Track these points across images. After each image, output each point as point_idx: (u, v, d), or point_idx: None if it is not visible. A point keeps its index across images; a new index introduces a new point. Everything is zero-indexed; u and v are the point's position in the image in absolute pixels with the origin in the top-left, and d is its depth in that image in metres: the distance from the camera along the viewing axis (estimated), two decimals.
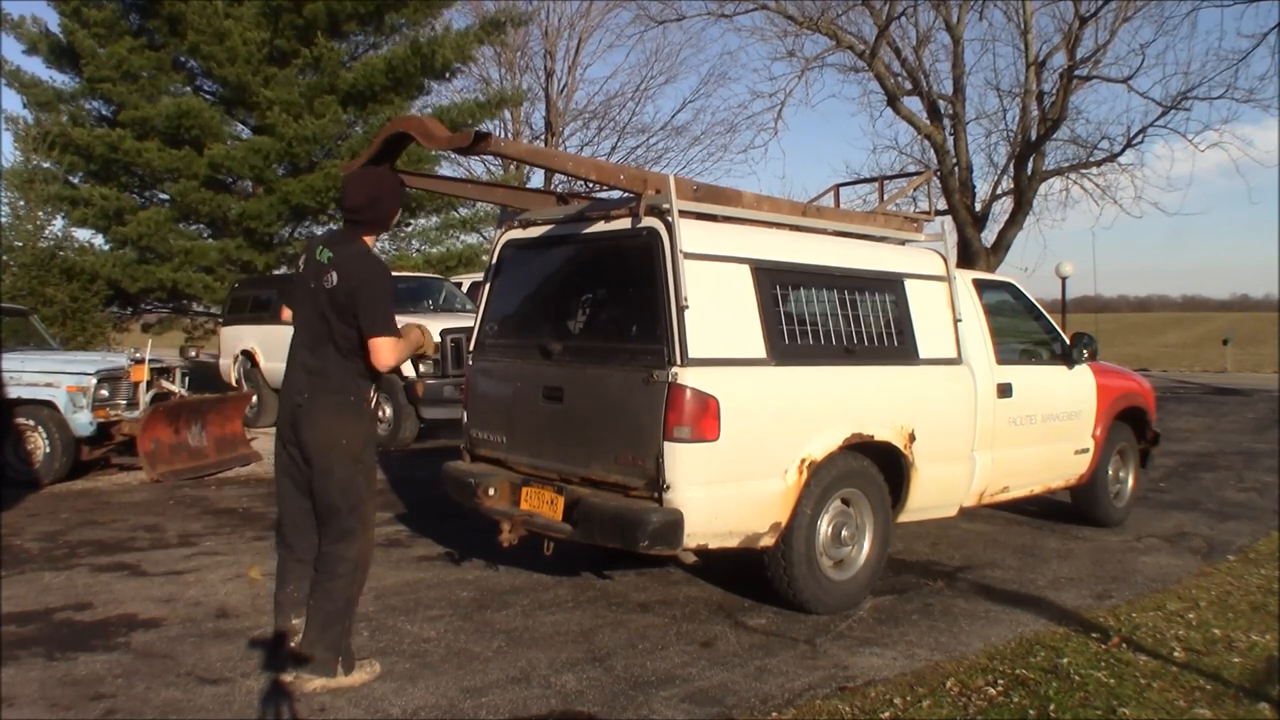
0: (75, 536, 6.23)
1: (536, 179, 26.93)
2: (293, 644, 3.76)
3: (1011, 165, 19.71)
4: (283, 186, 14.91)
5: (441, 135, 3.95)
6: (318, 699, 3.60)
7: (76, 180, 15.69)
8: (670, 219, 4.29)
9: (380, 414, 10.19)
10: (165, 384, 8.92)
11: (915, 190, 6.75)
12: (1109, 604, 4.97)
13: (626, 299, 4.75)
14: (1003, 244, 19.55)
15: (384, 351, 3.64)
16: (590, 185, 5.12)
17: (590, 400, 4.62)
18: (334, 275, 3.64)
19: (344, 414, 3.70)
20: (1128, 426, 6.86)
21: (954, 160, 19.39)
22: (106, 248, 15.69)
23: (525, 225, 5.25)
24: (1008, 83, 20.83)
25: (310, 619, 3.71)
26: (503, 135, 28.07)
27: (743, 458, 4.32)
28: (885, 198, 6.18)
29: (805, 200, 5.67)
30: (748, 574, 4.89)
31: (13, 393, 7.93)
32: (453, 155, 22.03)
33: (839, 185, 6.36)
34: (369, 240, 3.82)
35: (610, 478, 4.45)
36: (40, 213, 14.65)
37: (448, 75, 17.16)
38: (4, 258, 13.84)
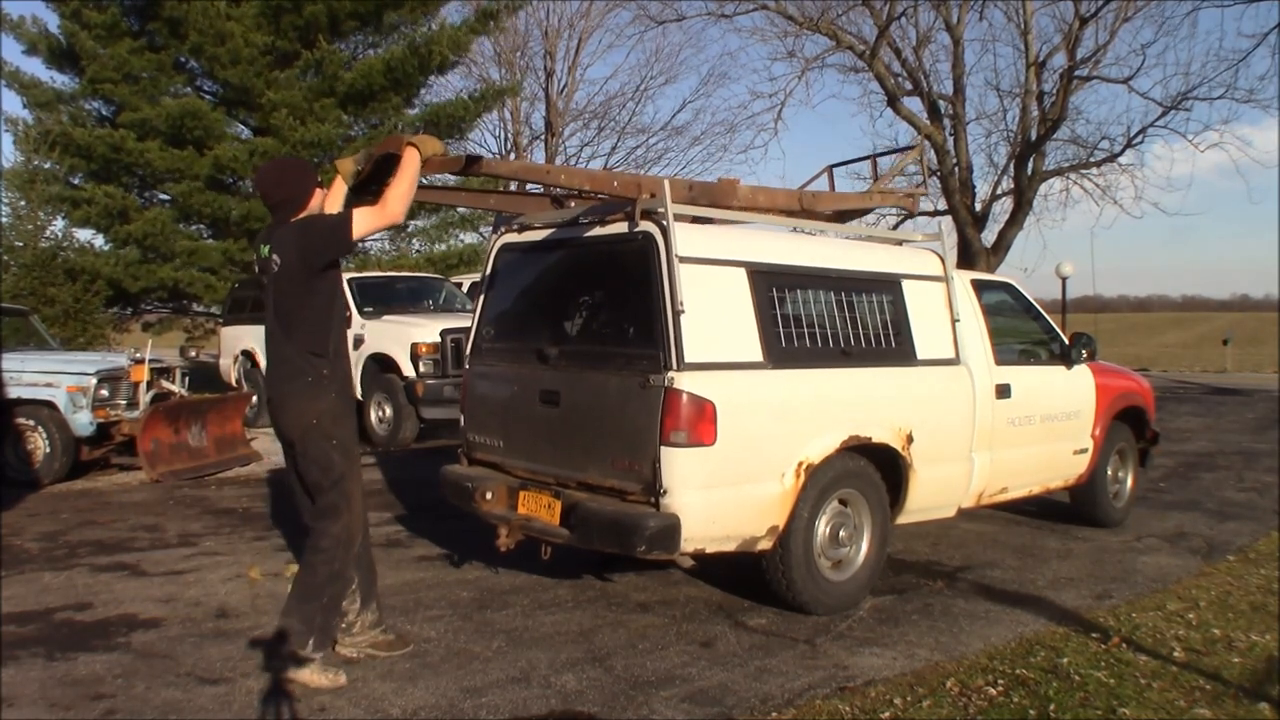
0: (75, 536, 6.23)
1: None
2: (342, 626, 3.96)
3: (1011, 165, 19.74)
4: None
5: (433, 159, 3.93)
6: (317, 699, 3.61)
7: (77, 181, 15.70)
8: (665, 223, 4.29)
9: (381, 414, 10.21)
10: (165, 384, 8.93)
11: (908, 164, 6.81)
12: (1109, 604, 4.98)
13: (622, 303, 4.74)
14: (1003, 244, 19.56)
15: (373, 218, 3.73)
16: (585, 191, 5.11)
17: (587, 404, 4.62)
18: (276, 259, 3.76)
19: (305, 395, 3.78)
20: (1127, 426, 6.86)
21: (954, 160, 19.39)
22: (107, 248, 15.70)
23: (521, 229, 5.25)
24: (1008, 83, 20.82)
25: (292, 591, 3.81)
26: (502, 135, 28.12)
27: (739, 461, 4.32)
28: (878, 176, 6.20)
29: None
30: (747, 575, 4.90)
31: (13, 393, 7.94)
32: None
33: (832, 166, 6.42)
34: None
35: (607, 482, 4.45)
36: (41, 213, 14.67)
37: (445, 72, 17.16)
38: (5, 258, 13.85)
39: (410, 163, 3.77)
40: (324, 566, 3.74)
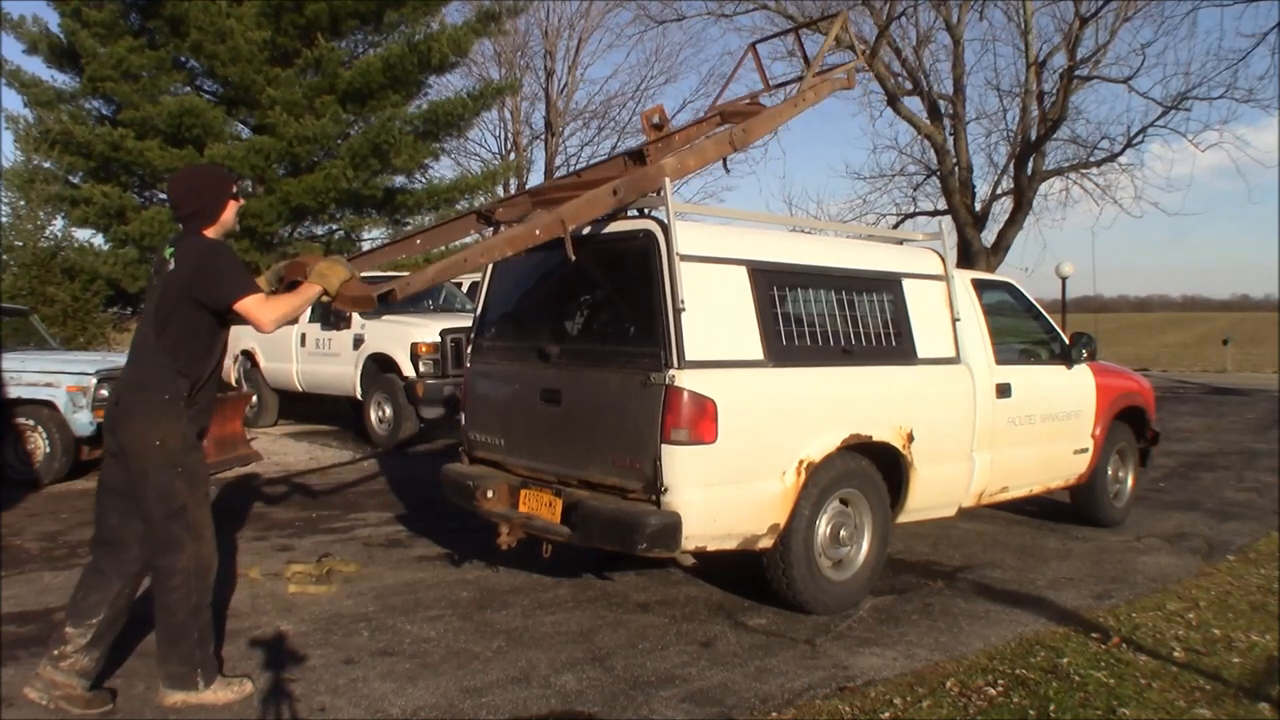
0: (75, 536, 6.22)
1: (536, 176, 26.91)
2: (55, 651, 3.54)
3: (1011, 165, 19.73)
4: (283, 186, 14.93)
5: (344, 294, 3.64)
6: (317, 699, 3.61)
7: (76, 180, 15.70)
8: (666, 221, 4.29)
9: (381, 414, 10.20)
10: None
11: (834, 39, 6.84)
12: (1109, 604, 4.98)
13: (623, 301, 4.74)
14: (1003, 244, 19.55)
15: (254, 311, 3.46)
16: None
17: (588, 403, 4.62)
18: (171, 263, 3.54)
19: (156, 413, 3.50)
20: (1127, 426, 6.86)
21: (954, 160, 19.40)
22: (106, 247, 15.70)
23: None
24: (1008, 83, 20.88)
25: (158, 636, 3.59)
26: (503, 135, 28.15)
27: (740, 459, 4.32)
28: (809, 59, 6.20)
29: (802, 209, 5.68)
30: (747, 574, 4.90)
31: (13, 393, 7.93)
32: (450, 151, 21.96)
33: (755, 43, 6.65)
34: (209, 233, 3.63)
35: (608, 480, 4.45)
36: (40, 213, 14.67)
37: (445, 71, 17.15)
38: (4, 258, 13.85)
39: (306, 292, 3.57)
40: (181, 605, 3.51)
